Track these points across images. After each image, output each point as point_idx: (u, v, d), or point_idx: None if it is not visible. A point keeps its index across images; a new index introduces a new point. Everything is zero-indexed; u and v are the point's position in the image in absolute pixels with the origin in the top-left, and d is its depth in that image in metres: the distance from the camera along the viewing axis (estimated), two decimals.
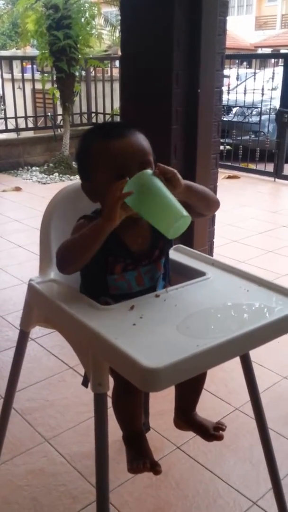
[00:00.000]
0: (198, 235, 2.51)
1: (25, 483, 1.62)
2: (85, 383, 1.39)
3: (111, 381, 1.14)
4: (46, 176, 6.07)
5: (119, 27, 7.60)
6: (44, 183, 5.82)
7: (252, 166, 6.30)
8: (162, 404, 1.83)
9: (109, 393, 1.14)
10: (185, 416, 1.47)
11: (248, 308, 1.13)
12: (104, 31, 7.59)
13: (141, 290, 1.22)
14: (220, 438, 1.39)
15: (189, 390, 1.44)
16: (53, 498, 1.57)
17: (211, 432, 1.40)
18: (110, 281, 1.20)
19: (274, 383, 2.14)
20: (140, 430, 1.38)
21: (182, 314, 1.09)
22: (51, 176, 6.05)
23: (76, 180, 1.36)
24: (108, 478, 1.13)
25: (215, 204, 1.28)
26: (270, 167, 6.04)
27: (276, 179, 5.96)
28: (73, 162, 6.40)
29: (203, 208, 1.26)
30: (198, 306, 1.12)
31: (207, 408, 1.94)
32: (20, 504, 1.55)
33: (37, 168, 6.42)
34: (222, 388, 2.09)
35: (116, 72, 7.39)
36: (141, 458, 1.29)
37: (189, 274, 1.31)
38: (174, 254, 1.43)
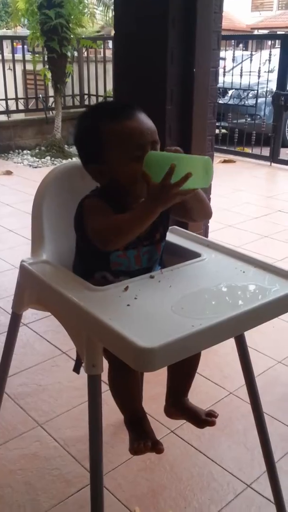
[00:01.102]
0: None
1: (18, 467, 1.61)
2: (76, 369, 1.37)
3: (105, 363, 1.12)
4: (37, 159, 5.99)
5: (112, 7, 7.48)
6: (36, 167, 5.75)
7: (248, 150, 6.24)
8: (155, 388, 1.81)
9: (104, 378, 1.12)
10: (177, 402, 1.45)
11: (244, 289, 1.11)
12: (97, 11, 7.44)
13: (139, 269, 1.22)
14: (212, 423, 1.37)
15: (182, 373, 1.42)
16: (46, 482, 1.56)
17: (203, 418, 1.37)
18: (113, 257, 1.20)
19: (269, 367, 2.13)
20: (140, 410, 1.35)
21: (177, 295, 1.06)
22: (42, 159, 5.98)
23: (67, 161, 1.31)
24: (102, 461, 1.11)
25: (209, 213, 1.29)
26: (266, 151, 5.99)
27: (272, 163, 5.92)
28: (66, 146, 6.33)
29: (197, 211, 1.26)
30: (193, 287, 1.10)
31: (201, 392, 1.93)
32: (13, 488, 1.54)
33: (29, 151, 6.34)
34: (217, 372, 2.08)
35: (109, 53, 7.28)
36: (141, 439, 1.27)
37: (184, 255, 1.29)
38: (169, 236, 1.40)
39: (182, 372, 1.40)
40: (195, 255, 1.26)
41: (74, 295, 1.05)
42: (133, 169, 1.12)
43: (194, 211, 1.26)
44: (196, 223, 1.32)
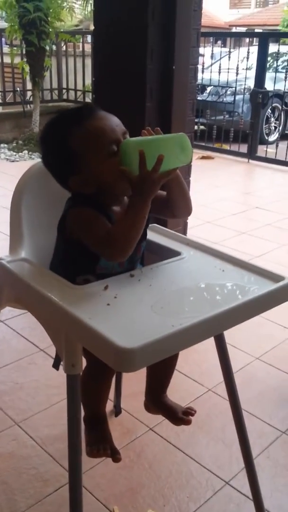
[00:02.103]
0: None
1: None
2: (56, 365, 1.36)
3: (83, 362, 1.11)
4: (14, 153, 5.91)
5: (91, 1, 7.41)
6: (13, 161, 5.68)
7: (226, 146, 6.28)
8: (134, 385, 1.81)
9: None
10: (155, 399, 1.46)
11: (223, 288, 1.11)
12: (75, 5, 7.36)
13: (121, 271, 1.19)
14: (187, 422, 1.38)
15: (160, 371, 1.42)
16: (23, 481, 1.54)
17: (179, 416, 1.39)
18: (102, 262, 1.17)
19: (247, 364, 2.15)
20: (104, 414, 1.36)
21: (157, 294, 1.06)
22: (20, 153, 5.90)
23: None
24: (81, 460, 1.10)
25: (189, 209, 1.27)
26: (244, 148, 6.03)
27: (250, 160, 5.96)
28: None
29: (178, 206, 1.26)
30: (172, 286, 1.10)
31: (180, 389, 1.94)
32: None
33: (6, 145, 6.24)
34: (196, 369, 2.08)
35: (88, 48, 7.22)
36: (101, 443, 1.27)
37: (164, 253, 1.28)
38: (149, 234, 1.39)
39: (161, 370, 1.41)
40: (175, 253, 1.25)
41: (53, 294, 1.03)
42: (112, 165, 1.09)
43: (176, 206, 1.25)
44: (175, 219, 1.31)
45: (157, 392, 1.46)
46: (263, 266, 1.17)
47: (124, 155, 1.09)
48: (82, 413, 1.33)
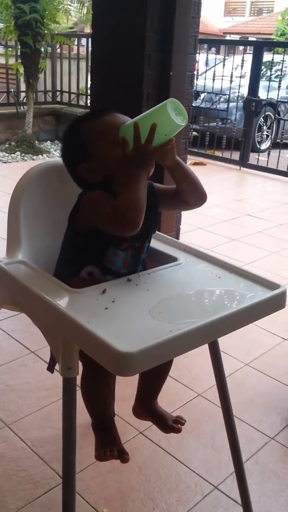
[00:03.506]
0: (166, 220, 2.50)
1: None
2: (50, 368, 1.36)
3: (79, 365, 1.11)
4: (7, 154, 5.89)
5: (86, 4, 7.43)
6: (5, 162, 5.66)
7: (218, 153, 6.32)
8: (125, 389, 1.81)
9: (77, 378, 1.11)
10: (146, 404, 1.46)
11: (220, 295, 1.12)
12: (71, 7, 7.37)
13: (125, 272, 1.22)
14: (178, 431, 1.38)
15: (154, 376, 1.43)
16: (13, 484, 1.54)
17: (169, 424, 1.39)
18: (110, 254, 1.20)
19: (236, 370, 2.16)
20: (110, 417, 1.36)
21: (155, 299, 1.07)
22: (12, 155, 5.89)
23: (44, 159, 1.30)
24: (75, 463, 1.11)
25: (202, 195, 1.28)
26: (236, 155, 6.08)
27: (242, 168, 6.01)
28: (36, 142, 6.25)
29: (189, 193, 1.26)
30: (170, 292, 1.11)
31: (170, 394, 1.94)
32: None
33: None
34: (186, 374, 2.10)
35: (82, 50, 7.23)
36: (108, 446, 1.27)
37: (161, 259, 1.29)
38: None
39: (154, 375, 1.41)
40: (172, 259, 1.27)
41: (51, 296, 1.04)
42: (118, 153, 1.14)
43: (186, 193, 1.26)
44: (189, 209, 1.32)
45: (149, 398, 1.47)
46: (259, 274, 1.19)
47: (122, 132, 1.13)
48: (85, 420, 1.33)
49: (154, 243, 1.37)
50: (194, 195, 1.27)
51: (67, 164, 1.26)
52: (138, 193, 1.11)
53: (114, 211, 1.11)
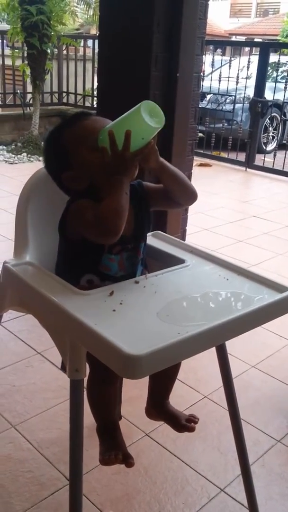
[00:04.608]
0: (172, 221, 2.50)
1: None
2: (64, 368, 1.35)
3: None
4: (13, 155, 5.91)
5: (93, 5, 7.44)
6: (12, 163, 5.67)
7: (224, 154, 6.31)
8: (131, 391, 1.81)
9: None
10: (158, 405, 1.46)
11: (228, 297, 1.12)
12: (78, 8, 7.39)
13: (123, 275, 1.22)
14: (191, 429, 1.38)
15: (163, 377, 1.42)
16: (19, 485, 1.54)
17: (183, 423, 1.40)
18: (104, 260, 1.20)
19: (242, 372, 2.16)
20: (115, 421, 1.36)
21: (162, 301, 1.07)
22: (19, 156, 5.90)
23: None
24: (82, 465, 1.11)
25: (191, 194, 1.28)
26: (242, 157, 6.06)
27: (248, 169, 6.00)
28: (42, 143, 6.26)
29: (177, 193, 1.26)
30: (178, 294, 1.11)
31: (176, 396, 1.92)
32: None
33: (5, 147, 6.24)
34: (191, 376, 2.09)
35: (89, 52, 7.24)
36: (113, 450, 1.27)
37: (168, 261, 1.29)
38: (152, 240, 1.40)
39: (164, 375, 1.40)
40: (179, 261, 1.26)
41: (58, 298, 1.04)
42: (98, 159, 1.13)
43: (175, 193, 1.25)
44: (181, 208, 1.32)
45: (160, 398, 1.47)
46: (267, 276, 1.18)
47: (100, 142, 1.12)
48: (91, 422, 1.32)
49: (161, 245, 1.37)
50: (184, 195, 1.27)
51: (50, 173, 1.25)
52: (118, 201, 1.10)
53: (96, 217, 1.10)
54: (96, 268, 1.20)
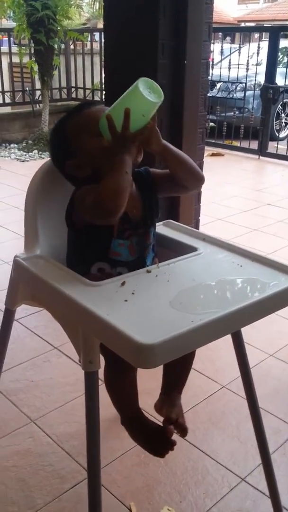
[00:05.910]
0: (184, 212, 2.47)
1: (11, 464, 1.59)
2: None
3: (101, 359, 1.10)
4: (25, 153, 5.93)
5: None
6: (23, 161, 5.68)
7: (236, 143, 6.24)
8: (148, 382, 1.79)
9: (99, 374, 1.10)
10: (168, 394, 1.43)
11: (242, 283, 1.10)
12: (83, 2, 7.35)
13: (134, 259, 1.21)
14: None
15: (177, 368, 1.40)
16: (40, 478, 1.54)
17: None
18: (114, 245, 1.20)
19: (261, 361, 2.13)
20: (138, 411, 1.31)
21: (175, 290, 1.05)
22: (30, 153, 5.91)
23: None
24: (100, 457, 1.10)
25: (198, 176, 1.25)
26: (254, 145, 5.99)
27: (261, 157, 5.92)
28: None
29: (183, 175, 1.23)
30: (191, 282, 1.09)
31: (194, 386, 1.93)
32: (7, 485, 1.52)
33: (16, 145, 6.26)
34: (209, 366, 2.07)
35: (96, 46, 7.21)
36: (154, 435, 1.25)
37: (180, 249, 1.27)
38: (164, 229, 1.39)
39: (178, 366, 1.38)
40: (192, 249, 1.25)
41: (70, 290, 1.03)
42: (99, 145, 1.13)
43: (181, 176, 1.23)
44: (190, 193, 1.30)
45: (173, 388, 1.44)
46: (282, 261, 1.16)
47: (103, 127, 1.11)
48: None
49: (173, 233, 1.35)
50: (190, 178, 1.24)
51: (56, 164, 1.25)
52: (117, 179, 1.08)
53: (96, 198, 1.09)
54: (106, 255, 1.19)
